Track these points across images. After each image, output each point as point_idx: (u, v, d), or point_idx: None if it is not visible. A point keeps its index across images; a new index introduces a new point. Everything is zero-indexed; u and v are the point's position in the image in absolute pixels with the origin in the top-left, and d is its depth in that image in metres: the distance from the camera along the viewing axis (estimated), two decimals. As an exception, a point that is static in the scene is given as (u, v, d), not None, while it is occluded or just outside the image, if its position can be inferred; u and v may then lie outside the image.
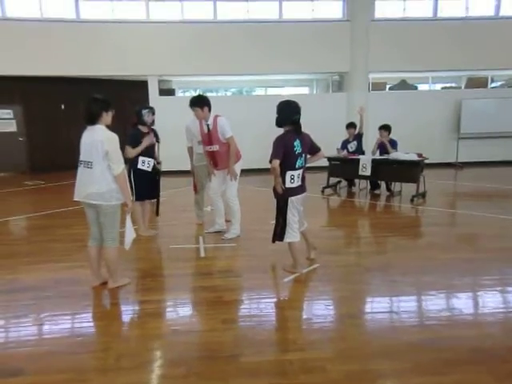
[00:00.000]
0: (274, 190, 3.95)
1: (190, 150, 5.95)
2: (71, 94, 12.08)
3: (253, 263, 4.48)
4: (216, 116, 5.13)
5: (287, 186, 3.85)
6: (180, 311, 3.50)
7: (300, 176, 3.91)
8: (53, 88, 12.10)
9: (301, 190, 3.99)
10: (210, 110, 5.10)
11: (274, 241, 4.10)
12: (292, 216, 3.93)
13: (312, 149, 4.05)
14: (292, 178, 3.84)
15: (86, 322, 3.36)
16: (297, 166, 3.85)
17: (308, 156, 4.05)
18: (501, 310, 3.39)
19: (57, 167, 12.06)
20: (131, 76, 11.85)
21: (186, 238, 5.45)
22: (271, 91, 14.24)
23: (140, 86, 11.73)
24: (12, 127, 12.37)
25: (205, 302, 3.60)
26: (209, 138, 5.12)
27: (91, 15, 11.37)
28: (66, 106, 12.60)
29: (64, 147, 11.89)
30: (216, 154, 5.17)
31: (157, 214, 5.74)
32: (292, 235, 3.97)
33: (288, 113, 3.84)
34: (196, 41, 11.33)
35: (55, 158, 12.45)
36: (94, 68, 11.22)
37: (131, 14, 11.51)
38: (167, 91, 12.35)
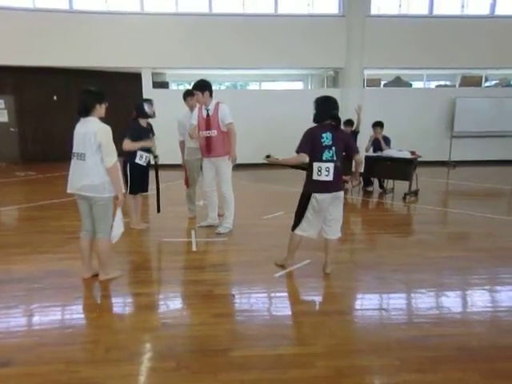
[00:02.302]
0: (305, 181, 3.85)
1: (182, 144, 5.94)
2: (64, 85, 11.98)
3: (244, 258, 4.49)
4: (218, 102, 5.15)
5: (314, 178, 3.73)
6: (171, 304, 3.50)
7: (330, 170, 3.70)
8: (45, 79, 11.98)
9: (329, 187, 3.75)
10: (210, 95, 5.10)
11: (292, 229, 3.99)
12: (313, 211, 3.80)
13: (347, 148, 3.87)
14: (319, 170, 3.69)
15: (76, 314, 3.36)
16: (324, 159, 3.68)
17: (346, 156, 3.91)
18: (488, 309, 3.43)
19: (49, 158, 11.97)
20: (125, 68, 11.75)
21: (178, 232, 5.44)
22: (265, 86, 14.20)
23: (134, 79, 11.64)
24: (3, 117, 12.23)
25: (196, 295, 3.60)
26: (207, 122, 5.08)
27: (85, 6, 11.22)
28: (58, 97, 12.48)
29: (56, 138, 11.80)
30: (212, 139, 5.11)
31: (158, 210, 5.70)
32: (304, 228, 3.88)
33: (326, 108, 3.79)
34: (191, 34, 11.24)
35: (47, 149, 12.36)
36: (87, 59, 11.10)
37: (125, 6, 11.39)
38: (161, 84, 12.26)
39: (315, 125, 3.83)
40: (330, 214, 3.88)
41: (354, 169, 4.22)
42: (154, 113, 5.39)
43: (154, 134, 5.54)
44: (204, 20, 11.40)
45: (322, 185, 3.74)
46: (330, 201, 3.80)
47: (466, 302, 3.62)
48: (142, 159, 5.27)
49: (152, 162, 5.46)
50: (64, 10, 11.09)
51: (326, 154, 3.71)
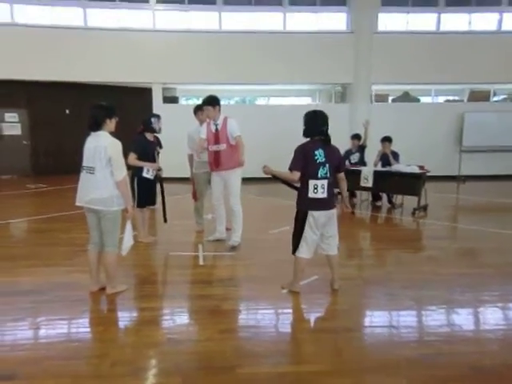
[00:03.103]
0: (298, 199, 3.81)
1: (191, 157, 5.98)
2: (76, 99, 12.15)
3: (252, 273, 4.46)
4: (226, 117, 5.24)
5: (310, 196, 3.68)
6: (177, 319, 3.47)
7: (325, 187, 3.68)
8: (58, 93, 12.18)
9: (325, 204, 3.72)
10: (219, 110, 5.22)
11: (292, 252, 3.88)
12: (310, 231, 3.72)
13: (337, 165, 3.82)
14: (315, 188, 3.65)
15: (82, 328, 3.34)
16: (319, 176, 3.65)
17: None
18: (501, 327, 3.36)
19: (60, 171, 12.08)
20: (136, 83, 11.92)
21: (185, 246, 5.43)
22: (274, 101, 14.29)
23: (144, 94, 11.80)
24: (17, 130, 12.43)
25: (202, 310, 3.58)
26: (215, 137, 5.16)
27: (98, 23, 11.48)
28: (70, 111, 12.66)
29: (67, 151, 11.92)
30: (221, 153, 5.16)
31: (165, 220, 5.71)
32: (304, 250, 3.78)
33: (315, 124, 3.74)
34: (201, 50, 11.39)
35: (58, 162, 12.49)
36: (99, 74, 11.29)
37: (137, 23, 11.62)
38: (171, 99, 12.41)
39: (307, 140, 3.79)
40: (327, 232, 3.83)
41: (341, 192, 4.09)
42: (160, 128, 5.48)
43: (161, 147, 5.60)
44: (214, 37, 11.57)
45: (317, 203, 3.70)
46: (325, 218, 3.76)
47: (477, 320, 3.55)
48: (148, 173, 5.31)
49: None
50: (78, 26, 11.34)
51: (321, 172, 3.67)
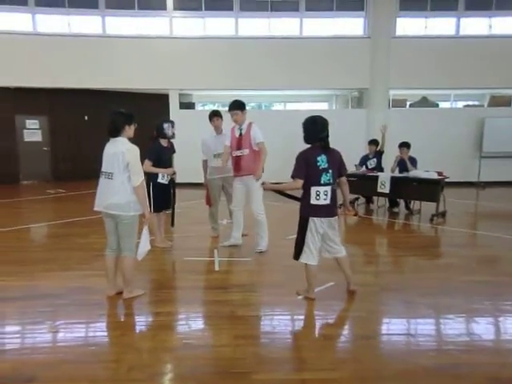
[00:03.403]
0: (301, 206, 3.79)
1: (205, 163, 5.99)
2: (95, 105, 12.37)
3: (267, 278, 4.45)
4: (251, 122, 5.28)
5: (312, 202, 3.65)
6: (193, 324, 3.49)
7: (328, 194, 3.65)
8: (77, 100, 12.43)
9: (327, 211, 3.69)
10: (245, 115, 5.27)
11: (294, 258, 3.88)
12: (312, 237, 3.70)
13: (339, 169, 3.79)
14: (318, 195, 3.62)
15: (99, 332, 3.39)
16: (322, 182, 3.62)
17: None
18: (522, 337, 3.28)
19: (79, 176, 12.30)
20: (153, 89, 12.08)
21: (200, 251, 5.46)
22: (290, 106, 14.29)
23: (161, 100, 11.94)
24: (37, 137, 12.71)
25: (218, 316, 3.58)
26: (238, 142, 5.20)
27: (117, 31, 11.70)
28: (89, 118, 12.90)
29: (86, 157, 12.14)
30: (244, 158, 5.19)
31: (172, 224, 5.75)
32: (308, 257, 3.76)
33: (314, 131, 3.70)
34: (217, 56, 11.49)
35: (78, 168, 12.72)
36: (117, 81, 11.48)
37: (155, 30, 11.79)
38: (187, 105, 12.53)
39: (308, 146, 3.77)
40: (329, 238, 3.81)
41: (344, 196, 3.98)
42: (173, 134, 5.50)
43: (174, 152, 5.67)
44: (230, 43, 11.65)
45: (320, 209, 3.67)
46: (327, 225, 3.74)
47: (497, 329, 3.46)
48: (164, 178, 5.36)
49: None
50: (97, 34, 11.57)
51: (324, 178, 3.64)
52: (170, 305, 3.83)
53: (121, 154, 3.58)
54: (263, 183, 4.04)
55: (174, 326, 3.46)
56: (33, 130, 12.64)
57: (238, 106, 5.22)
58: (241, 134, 5.19)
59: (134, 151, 3.65)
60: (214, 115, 5.85)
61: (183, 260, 5.11)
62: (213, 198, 5.95)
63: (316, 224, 3.68)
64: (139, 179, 3.63)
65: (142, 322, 3.58)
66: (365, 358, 2.93)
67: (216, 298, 3.94)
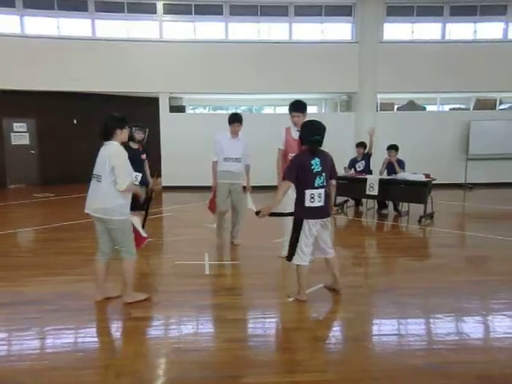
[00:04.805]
0: (295, 208, 3.81)
1: (215, 165, 5.59)
2: (84, 109, 12.28)
3: (257, 281, 4.45)
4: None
5: (306, 205, 3.70)
6: (183, 329, 3.47)
7: (322, 196, 3.72)
8: (66, 103, 12.31)
9: (321, 213, 3.76)
10: None
11: (288, 259, 3.91)
12: (305, 239, 3.75)
13: (330, 172, 3.86)
14: (312, 197, 3.68)
15: (88, 337, 3.34)
16: (316, 185, 3.69)
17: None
18: (509, 336, 3.31)
19: (67, 180, 12.17)
20: (143, 93, 12.04)
21: (191, 255, 5.43)
22: (280, 110, 14.35)
23: (151, 103, 11.90)
24: (25, 140, 12.56)
25: (208, 320, 3.58)
26: (299, 144, 4.39)
27: (106, 34, 11.64)
28: (78, 121, 12.79)
29: (75, 161, 12.03)
30: None
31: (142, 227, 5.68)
32: (300, 258, 3.79)
33: (308, 133, 3.79)
34: (207, 60, 11.50)
35: (66, 172, 12.58)
36: (107, 84, 11.42)
37: (145, 33, 11.77)
38: (177, 108, 12.51)
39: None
40: (320, 238, 3.87)
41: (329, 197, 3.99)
42: (142, 139, 5.55)
43: (147, 155, 5.68)
44: (220, 47, 11.68)
45: (314, 211, 3.73)
46: (320, 226, 3.80)
47: (485, 328, 3.51)
48: (137, 179, 5.31)
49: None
50: (86, 37, 11.50)
51: (318, 181, 3.71)
52: (159, 309, 3.80)
53: (107, 158, 3.55)
54: (257, 212, 3.91)
55: (164, 331, 3.44)
56: (20, 134, 12.48)
57: (300, 107, 4.80)
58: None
59: (120, 154, 3.61)
60: (235, 121, 5.42)
61: (174, 264, 5.09)
62: (218, 203, 5.62)
63: (310, 226, 3.73)
64: (124, 183, 3.55)
65: (131, 327, 3.54)
66: (355, 360, 2.94)
67: (206, 302, 3.94)
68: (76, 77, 11.00)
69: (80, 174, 12.25)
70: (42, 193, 10.94)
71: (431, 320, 3.58)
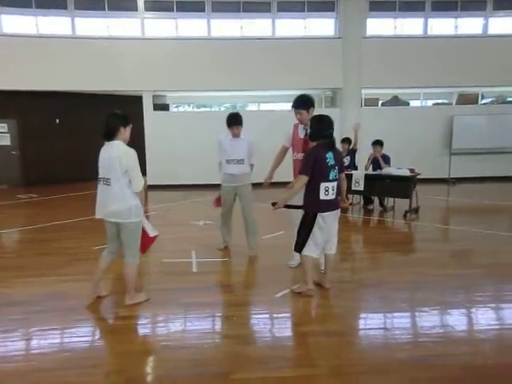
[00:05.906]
0: (308, 202, 3.85)
1: (220, 166, 5.34)
2: (66, 108, 12.11)
3: (245, 278, 4.46)
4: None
5: (321, 197, 3.76)
6: (171, 326, 3.46)
7: (334, 189, 3.82)
8: (48, 102, 12.10)
9: (333, 205, 3.87)
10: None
11: (297, 250, 3.95)
12: (320, 232, 3.81)
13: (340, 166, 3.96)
14: (326, 190, 3.75)
15: (75, 337, 3.31)
16: (331, 178, 3.77)
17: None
18: (493, 327, 3.39)
19: (51, 181, 11.98)
20: (126, 91, 11.90)
21: (178, 252, 5.41)
22: (264, 106, 14.35)
23: (135, 101, 11.78)
24: (6, 141, 12.33)
25: (196, 317, 3.56)
26: (304, 143, 4.36)
27: (87, 31, 11.46)
28: (60, 121, 12.60)
29: (58, 161, 11.85)
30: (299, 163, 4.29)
31: None
32: (312, 249, 3.84)
33: (320, 128, 3.84)
34: (190, 57, 11.41)
35: (49, 172, 12.38)
36: (89, 83, 11.24)
37: (126, 31, 11.61)
38: (161, 106, 12.41)
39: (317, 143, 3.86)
40: (331, 232, 3.95)
41: (341, 190, 4.10)
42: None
43: None
44: (203, 44, 11.60)
45: (328, 204, 3.81)
46: (332, 218, 3.89)
47: (469, 320, 3.57)
48: None
49: None
50: (66, 35, 11.30)
51: (332, 174, 3.80)
52: (147, 307, 3.78)
53: (118, 160, 3.40)
54: (274, 203, 3.89)
55: (152, 329, 3.43)
56: (1, 134, 12.25)
57: (301, 104, 4.37)
58: (306, 135, 4.28)
59: (132, 154, 3.48)
60: (232, 124, 5.05)
61: (161, 262, 5.06)
62: (222, 204, 5.35)
63: (324, 219, 3.81)
64: (140, 183, 3.48)
65: (119, 325, 3.52)
66: (343, 354, 2.97)
67: (194, 300, 3.92)
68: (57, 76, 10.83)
69: (63, 175, 12.06)
70: (26, 194, 10.76)
71: (417, 314, 3.64)
